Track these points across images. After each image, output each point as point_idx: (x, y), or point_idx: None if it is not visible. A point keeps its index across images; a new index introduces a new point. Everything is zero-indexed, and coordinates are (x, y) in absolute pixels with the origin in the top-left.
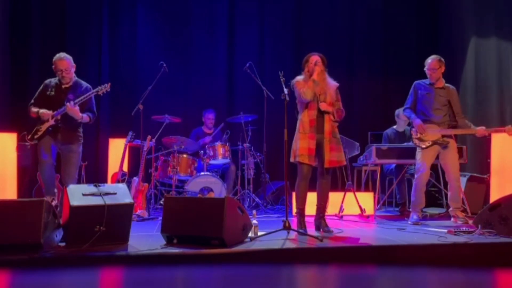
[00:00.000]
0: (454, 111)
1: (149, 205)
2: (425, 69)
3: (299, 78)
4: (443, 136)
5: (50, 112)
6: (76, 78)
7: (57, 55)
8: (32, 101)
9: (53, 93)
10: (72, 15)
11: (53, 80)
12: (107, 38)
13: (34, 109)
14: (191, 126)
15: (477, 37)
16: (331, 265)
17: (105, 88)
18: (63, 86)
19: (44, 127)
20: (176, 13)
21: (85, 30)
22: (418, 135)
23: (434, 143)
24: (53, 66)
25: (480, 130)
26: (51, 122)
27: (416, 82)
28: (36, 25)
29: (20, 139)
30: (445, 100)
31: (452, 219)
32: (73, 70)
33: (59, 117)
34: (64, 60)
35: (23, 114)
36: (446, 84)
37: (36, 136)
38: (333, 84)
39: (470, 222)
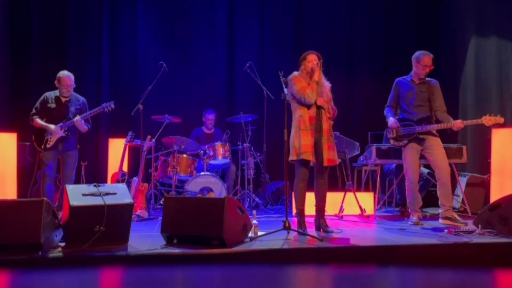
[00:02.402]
0: (434, 105)
1: (149, 205)
2: (415, 64)
3: (296, 73)
4: (419, 133)
5: (58, 128)
6: (73, 92)
7: (64, 72)
8: (34, 111)
9: (54, 105)
10: (72, 15)
11: (53, 94)
12: (107, 38)
13: (40, 122)
14: (191, 126)
15: (477, 37)
16: (331, 265)
17: (110, 106)
18: (63, 100)
19: (54, 137)
20: (176, 14)
21: (85, 30)
22: (393, 135)
23: (410, 141)
24: (58, 82)
25: (457, 123)
26: (61, 133)
27: (397, 79)
28: (36, 25)
29: (20, 139)
30: (427, 96)
31: (444, 221)
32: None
33: (66, 128)
34: (71, 77)
35: (23, 114)
36: (427, 79)
37: (48, 146)
38: (327, 83)
39: (469, 222)
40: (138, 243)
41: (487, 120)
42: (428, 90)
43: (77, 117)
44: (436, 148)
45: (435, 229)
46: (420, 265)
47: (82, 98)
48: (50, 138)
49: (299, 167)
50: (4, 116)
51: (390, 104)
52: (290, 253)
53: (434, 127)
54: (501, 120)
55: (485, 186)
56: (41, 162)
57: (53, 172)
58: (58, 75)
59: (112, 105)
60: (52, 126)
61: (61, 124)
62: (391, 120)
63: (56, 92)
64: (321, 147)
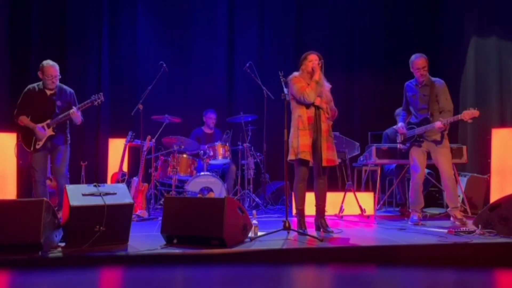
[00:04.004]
0: (439, 106)
1: (149, 205)
2: (412, 69)
3: (296, 74)
4: (418, 135)
5: (44, 129)
6: (59, 83)
7: (48, 61)
8: (19, 108)
9: (39, 100)
10: (72, 15)
11: (36, 86)
12: (107, 38)
13: (26, 121)
14: (191, 126)
15: (477, 37)
16: (331, 265)
17: (99, 98)
18: (48, 93)
19: (43, 138)
20: (176, 13)
21: (85, 30)
22: (401, 139)
23: (412, 143)
24: (41, 72)
25: (437, 123)
26: (51, 132)
27: (406, 83)
28: (36, 25)
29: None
30: (428, 98)
31: (451, 218)
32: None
33: (54, 125)
34: (56, 67)
35: None
36: (433, 79)
37: (37, 147)
38: (327, 84)
39: (469, 222)
40: (138, 243)
41: (465, 115)
42: (431, 91)
43: (74, 109)
44: (439, 153)
45: (435, 229)
46: (420, 265)
47: (69, 90)
48: (38, 140)
49: (298, 167)
50: (4, 116)
51: (404, 108)
52: (290, 253)
53: (427, 128)
54: (476, 113)
55: (485, 186)
56: (30, 166)
57: (44, 176)
58: (41, 64)
59: (102, 98)
60: (38, 129)
61: (48, 121)
62: (399, 126)
63: (40, 85)
64: (320, 147)
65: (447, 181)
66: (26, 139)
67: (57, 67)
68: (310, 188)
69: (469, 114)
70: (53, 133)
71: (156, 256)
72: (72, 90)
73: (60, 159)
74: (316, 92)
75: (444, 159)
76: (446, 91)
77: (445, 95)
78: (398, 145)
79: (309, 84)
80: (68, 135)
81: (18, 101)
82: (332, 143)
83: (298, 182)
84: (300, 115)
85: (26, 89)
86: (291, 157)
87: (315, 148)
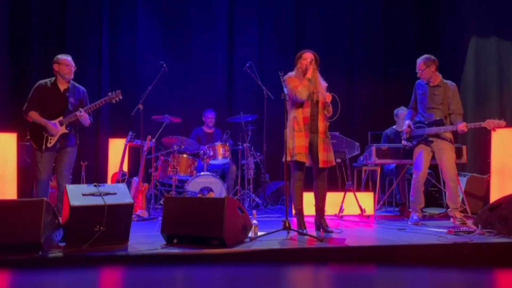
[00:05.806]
0: (450, 108)
1: (149, 205)
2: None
3: (291, 74)
4: (428, 135)
5: (57, 125)
6: (72, 81)
7: (63, 55)
8: (29, 103)
9: (51, 96)
10: (72, 15)
11: (49, 81)
12: (107, 38)
13: (36, 116)
14: (191, 126)
15: (477, 37)
16: (331, 265)
17: (117, 96)
18: (61, 89)
19: (55, 136)
20: (176, 13)
21: (85, 30)
22: (406, 136)
23: (419, 142)
24: (57, 64)
25: (460, 126)
26: (64, 130)
27: (417, 81)
28: (36, 25)
29: (20, 139)
30: (441, 99)
31: (451, 219)
32: None
33: (67, 123)
34: (71, 61)
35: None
36: (445, 81)
37: (49, 145)
38: (323, 83)
39: (469, 222)
40: (138, 243)
41: (489, 123)
42: (444, 93)
43: (81, 111)
44: (444, 153)
45: (435, 229)
46: (420, 265)
47: (82, 88)
48: (51, 137)
49: (294, 168)
50: (4, 116)
51: (411, 106)
52: (290, 253)
53: (440, 130)
54: (502, 123)
55: (485, 186)
56: (35, 164)
57: (47, 176)
58: (55, 58)
59: (120, 95)
60: (51, 124)
61: (60, 118)
62: (405, 124)
63: (53, 80)
64: (317, 148)
65: (450, 182)
66: (35, 136)
67: (72, 61)
68: (309, 188)
69: (494, 123)
70: (67, 131)
71: (156, 256)
72: (85, 89)
73: (67, 161)
74: (309, 89)
75: (448, 160)
76: (457, 94)
77: (457, 98)
78: (403, 142)
79: (302, 82)
80: (78, 136)
81: (28, 97)
82: (328, 144)
83: (295, 182)
84: (295, 116)
85: (37, 84)
86: (287, 158)
87: (312, 149)
